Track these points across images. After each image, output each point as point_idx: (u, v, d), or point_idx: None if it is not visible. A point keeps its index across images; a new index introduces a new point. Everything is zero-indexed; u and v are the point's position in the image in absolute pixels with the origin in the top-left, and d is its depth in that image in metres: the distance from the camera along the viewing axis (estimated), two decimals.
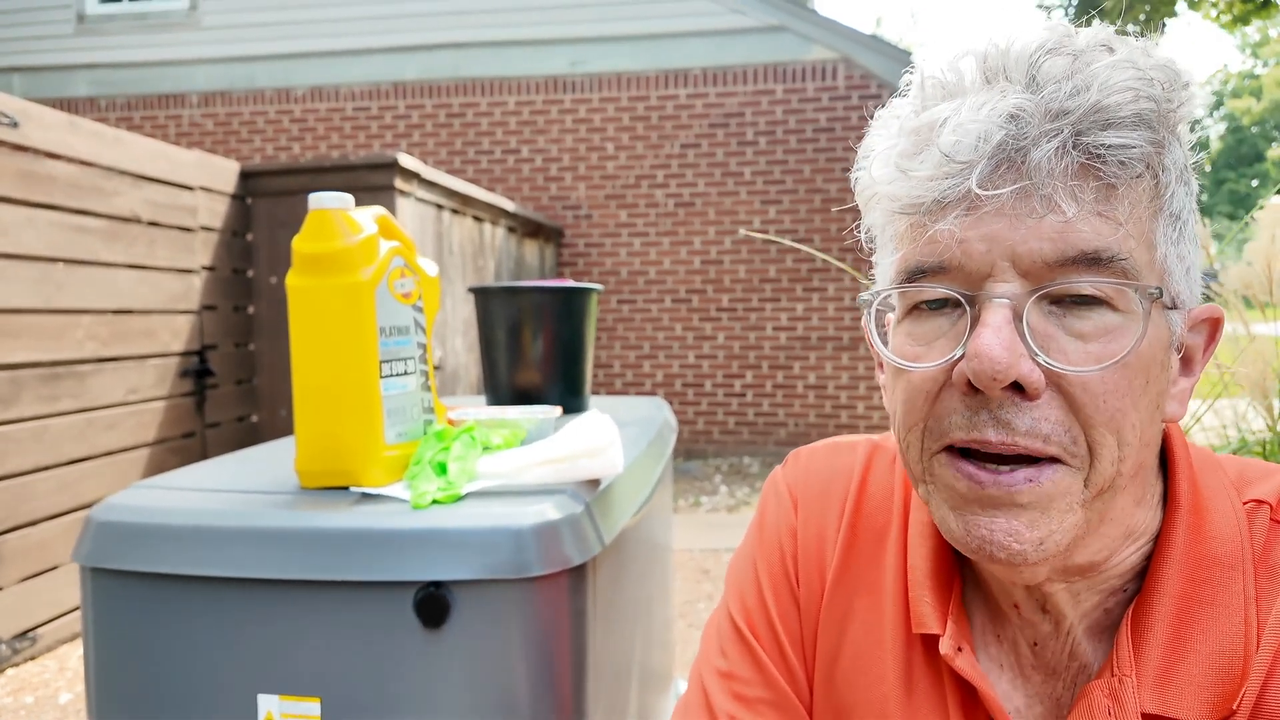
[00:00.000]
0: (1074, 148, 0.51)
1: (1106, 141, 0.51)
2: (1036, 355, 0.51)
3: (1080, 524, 0.54)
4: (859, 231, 0.65)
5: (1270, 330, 2.36)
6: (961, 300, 0.54)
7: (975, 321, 0.53)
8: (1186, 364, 0.59)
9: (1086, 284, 0.52)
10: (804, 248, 1.93)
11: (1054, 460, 0.52)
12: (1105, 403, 0.52)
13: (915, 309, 0.58)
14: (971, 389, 0.53)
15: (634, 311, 6.74)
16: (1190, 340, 0.59)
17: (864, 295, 0.61)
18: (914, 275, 0.56)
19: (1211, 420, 2.24)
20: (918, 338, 0.57)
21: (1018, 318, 0.52)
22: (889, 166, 0.56)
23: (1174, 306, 0.56)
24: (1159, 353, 0.54)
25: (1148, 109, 0.51)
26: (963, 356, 0.53)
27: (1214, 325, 0.60)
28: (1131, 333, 0.52)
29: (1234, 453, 2.14)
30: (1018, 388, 0.52)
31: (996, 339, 0.50)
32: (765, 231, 6.46)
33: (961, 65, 0.55)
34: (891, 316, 0.62)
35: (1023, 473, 0.52)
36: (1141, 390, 0.53)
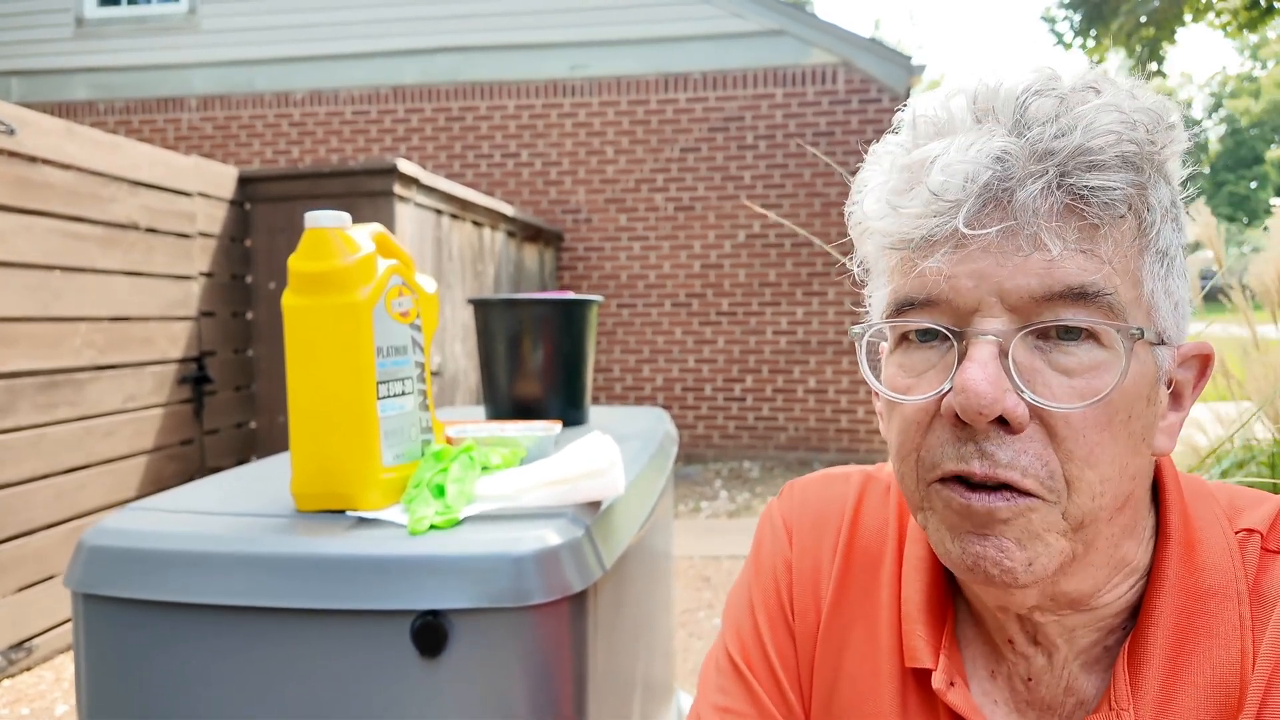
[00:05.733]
0: (1058, 188, 0.52)
1: (1090, 183, 0.52)
2: (1021, 391, 0.53)
3: (1066, 551, 0.55)
4: (852, 265, 0.66)
5: (1276, 334, 2.35)
6: (949, 335, 0.55)
7: (962, 356, 0.54)
8: (1176, 398, 0.60)
9: (1072, 321, 0.53)
10: (817, 241, 1.92)
11: (1029, 494, 0.53)
12: (1085, 437, 0.53)
13: (905, 340, 0.59)
14: (959, 421, 0.54)
15: (634, 316, 6.72)
16: (1179, 375, 0.60)
17: (855, 329, 0.62)
18: (903, 308, 0.57)
19: (1217, 431, 2.23)
20: (908, 369, 0.58)
21: (1003, 353, 0.53)
22: (880, 202, 0.57)
23: (1162, 342, 0.56)
24: (1143, 388, 0.55)
25: (1130, 151, 0.52)
26: (950, 390, 0.54)
27: (1204, 361, 0.60)
28: (1115, 369, 0.53)
29: (1239, 465, 2.12)
30: (1003, 421, 0.53)
31: (982, 374, 0.52)
32: (765, 235, 6.45)
33: (953, 104, 0.56)
34: (884, 345, 0.63)
35: (1001, 493, 0.54)
36: (1123, 425, 0.54)
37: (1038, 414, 0.53)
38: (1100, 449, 0.53)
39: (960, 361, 0.54)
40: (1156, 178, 0.55)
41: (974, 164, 0.52)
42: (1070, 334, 0.53)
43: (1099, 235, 0.52)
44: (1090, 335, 0.53)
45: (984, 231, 0.52)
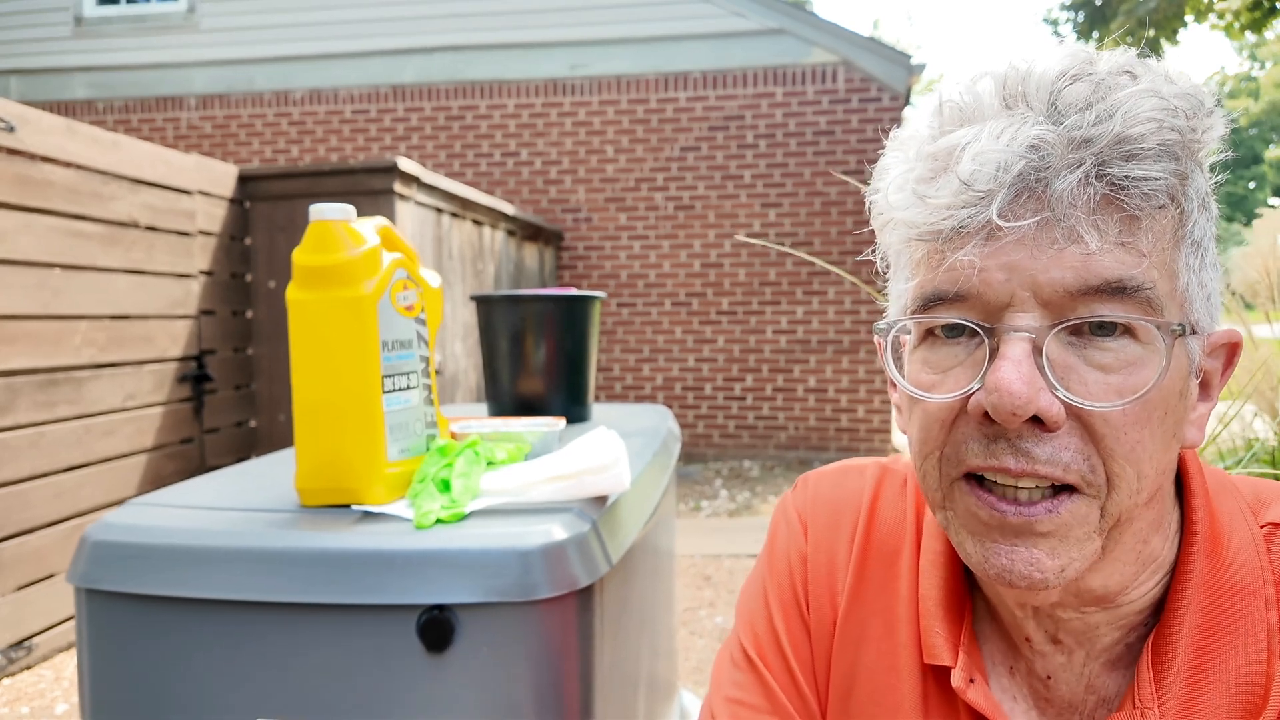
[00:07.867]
0: (1097, 179, 0.50)
1: (1130, 173, 0.50)
2: (1056, 389, 0.51)
3: (1097, 551, 0.53)
4: (873, 255, 0.64)
5: (1272, 334, 2.35)
6: (979, 331, 0.53)
7: (994, 353, 0.52)
8: (1204, 388, 0.59)
9: (1110, 316, 0.50)
10: (800, 253, 1.91)
11: (1071, 490, 0.52)
12: (1126, 434, 0.51)
13: (931, 335, 0.57)
14: (988, 419, 0.52)
15: (634, 315, 6.72)
16: (1208, 365, 0.58)
17: (879, 325, 0.60)
18: (930, 303, 0.55)
19: (1214, 426, 2.23)
20: (933, 365, 0.56)
21: (1037, 350, 0.51)
22: (905, 192, 0.55)
23: (1193, 333, 0.55)
24: (1178, 383, 0.54)
25: (1171, 139, 0.50)
26: (980, 388, 0.52)
27: (1232, 349, 0.59)
28: (1154, 365, 0.51)
29: (1240, 463, 2.12)
30: (1036, 420, 0.51)
31: (1016, 373, 0.50)
32: (765, 235, 6.45)
33: (979, 88, 0.54)
34: (908, 338, 0.61)
35: (1042, 505, 0.52)
36: (1160, 421, 0.52)
37: (1074, 411, 0.51)
38: (1140, 446, 0.51)
39: (991, 359, 0.51)
40: (1194, 167, 0.53)
41: (1007, 152, 0.50)
42: (1105, 329, 0.51)
43: (1139, 227, 0.50)
44: (1126, 330, 0.51)
45: (1019, 224, 0.50)
